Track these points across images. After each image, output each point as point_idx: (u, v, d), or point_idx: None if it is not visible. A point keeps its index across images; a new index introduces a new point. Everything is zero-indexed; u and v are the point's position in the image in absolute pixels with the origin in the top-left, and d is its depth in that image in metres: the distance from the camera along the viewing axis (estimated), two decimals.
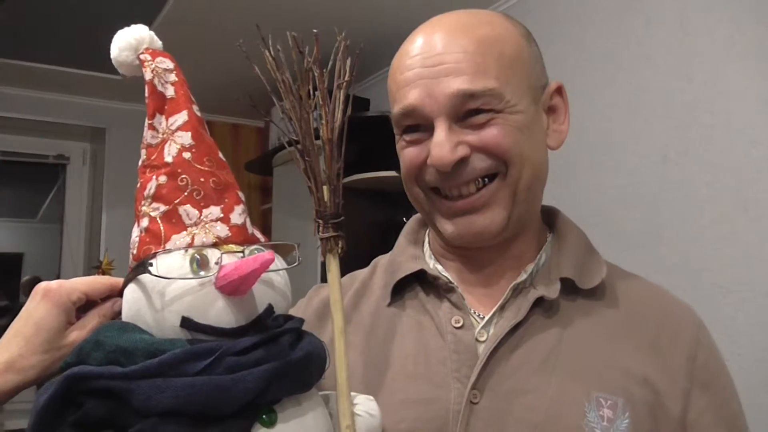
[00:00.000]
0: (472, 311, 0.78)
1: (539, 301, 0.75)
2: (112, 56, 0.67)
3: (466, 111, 0.71)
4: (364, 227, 2.46)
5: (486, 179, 0.74)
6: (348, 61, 0.67)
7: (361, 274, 0.91)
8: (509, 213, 0.74)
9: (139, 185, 0.64)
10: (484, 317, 0.77)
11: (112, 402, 0.53)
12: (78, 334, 0.64)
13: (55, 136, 3.54)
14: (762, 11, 1.66)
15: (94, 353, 0.56)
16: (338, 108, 0.66)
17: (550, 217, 0.86)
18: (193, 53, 2.84)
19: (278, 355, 0.58)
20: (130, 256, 0.63)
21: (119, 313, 0.63)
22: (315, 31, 0.64)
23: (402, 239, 0.89)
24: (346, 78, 0.66)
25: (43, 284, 0.65)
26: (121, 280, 0.66)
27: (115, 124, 3.59)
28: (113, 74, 3.08)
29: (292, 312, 0.86)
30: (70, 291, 0.64)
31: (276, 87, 0.64)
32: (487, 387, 0.71)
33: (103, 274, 2.90)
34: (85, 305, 0.66)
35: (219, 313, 0.58)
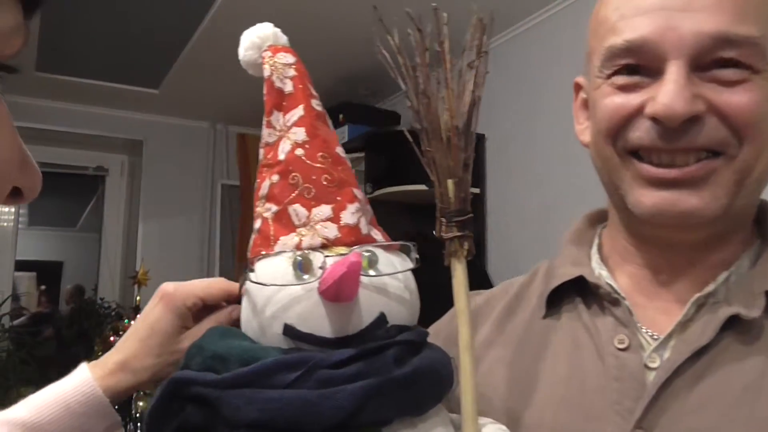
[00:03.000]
0: (644, 329, 0.63)
1: (733, 321, 0.58)
2: (239, 57, 0.65)
3: (714, 60, 0.57)
4: (393, 240, 2.47)
5: (707, 154, 0.58)
6: (481, 37, 0.56)
7: (519, 279, 0.78)
8: (730, 201, 0.58)
9: (256, 186, 0.61)
10: (658, 338, 0.61)
11: (207, 409, 0.51)
12: (193, 339, 0.61)
13: (95, 149, 3.62)
14: None
15: (195, 358, 0.55)
16: (466, 90, 0.56)
17: (759, 216, 0.67)
18: (230, 67, 2.90)
19: (379, 371, 0.51)
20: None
21: (238, 320, 0.60)
22: (434, 5, 0.54)
23: (564, 241, 0.75)
24: (480, 54, 0.55)
25: (162, 286, 0.64)
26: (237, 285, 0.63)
27: (152, 137, 3.66)
28: (150, 88, 3.15)
29: (438, 323, 0.78)
30: (186, 296, 0.63)
31: (395, 72, 0.57)
32: (658, 426, 0.56)
33: (139, 285, 2.95)
34: (204, 309, 0.65)
35: (321, 321, 0.53)
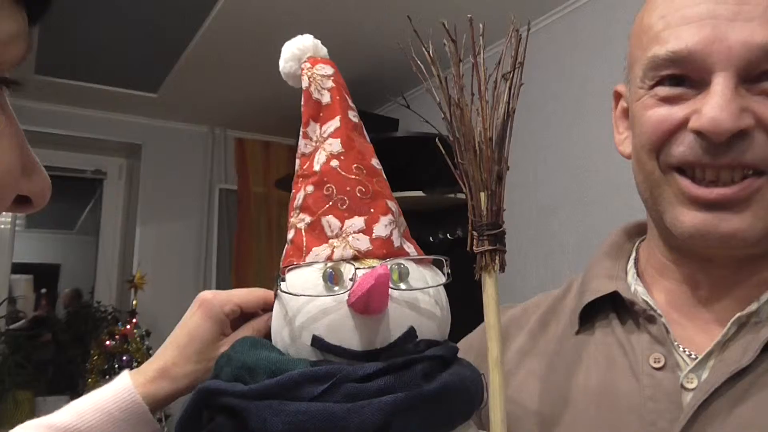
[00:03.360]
0: (681, 348, 0.61)
1: None
2: (280, 69, 0.65)
3: (764, 72, 0.55)
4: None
5: (752, 171, 0.56)
6: (519, 48, 0.56)
7: (554, 292, 0.76)
8: None
9: (291, 196, 0.62)
10: (696, 357, 0.60)
11: (236, 420, 0.51)
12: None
13: (93, 152, 3.61)
14: None
15: (225, 368, 0.55)
16: (502, 101, 0.56)
17: None
18: (229, 71, 2.91)
19: (407, 386, 0.51)
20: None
21: None
22: (470, 16, 0.55)
23: (599, 253, 0.72)
24: (516, 65, 0.56)
25: (200, 294, 0.65)
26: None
27: (151, 141, 3.66)
28: (149, 92, 3.15)
29: (470, 336, 0.78)
30: (223, 303, 0.64)
31: (427, 82, 0.57)
32: None
33: (135, 288, 2.95)
34: (242, 317, 0.65)
35: (350, 333, 0.53)
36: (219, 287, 2.65)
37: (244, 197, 3.67)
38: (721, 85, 0.55)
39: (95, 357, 2.73)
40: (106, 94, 3.22)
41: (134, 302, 2.82)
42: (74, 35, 2.59)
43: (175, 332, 0.64)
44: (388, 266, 0.54)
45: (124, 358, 2.64)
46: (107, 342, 2.69)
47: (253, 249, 3.54)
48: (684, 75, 0.58)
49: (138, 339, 2.73)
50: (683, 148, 0.57)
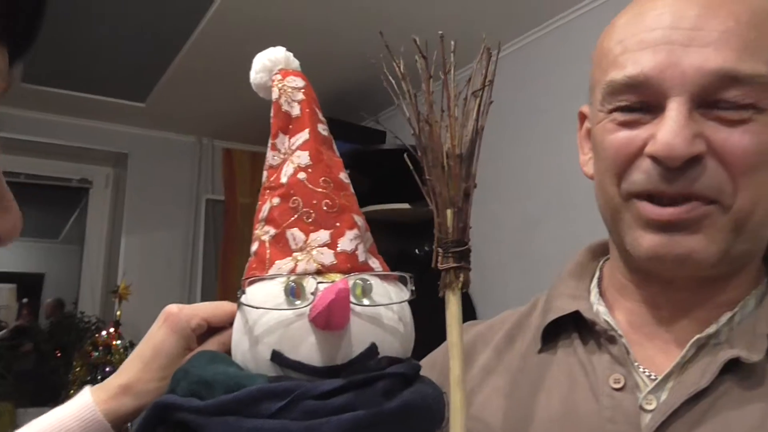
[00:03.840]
0: (641, 369, 0.61)
1: (734, 364, 0.56)
2: (251, 80, 0.64)
3: (718, 99, 0.55)
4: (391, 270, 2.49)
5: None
6: (488, 65, 0.56)
7: (520, 309, 0.76)
8: (728, 246, 0.57)
9: (257, 208, 0.61)
10: (656, 378, 0.60)
11: None
12: None
13: (79, 161, 3.59)
14: None
15: (181, 382, 0.54)
16: (470, 118, 0.56)
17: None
18: (218, 82, 2.91)
19: (368, 403, 0.50)
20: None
21: None
22: (440, 32, 0.54)
23: (564, 272, 0.73)
24: (486, 83, 0.55)
25: (166, 308, 0.63)
26: None
27: (138, 150, 3.65)
28: (137, 101, 3.14)
29: (434, 354, 0.77)
30: (190, 317, 0.62)
31: (396, 98, 0.57)
32: None
33: (120, 298, 2.93)
34: (210, 331, 0.63)
35: (310, 349, 0.52)
36: (204, 299, 2.64)
37: (231, 208, 3.66)
38: (675, 111, 0.55)
39: (78, 368, 2.70)
40: (94, 103, 3.21)
41: (118, 312, 2.80)
42: (62, 44, 2.59)
43: (140, 347, 0.63)
44: (352, 281, 0.53)
45: (107, 369, 2.62)
46: (91, 353, 2.67)
47: (239, 260, 3.52)
48: (641, 99, 0.58)
49: (122, 350, 2.71)
50: (642, 174, 0.58)
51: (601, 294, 0.68)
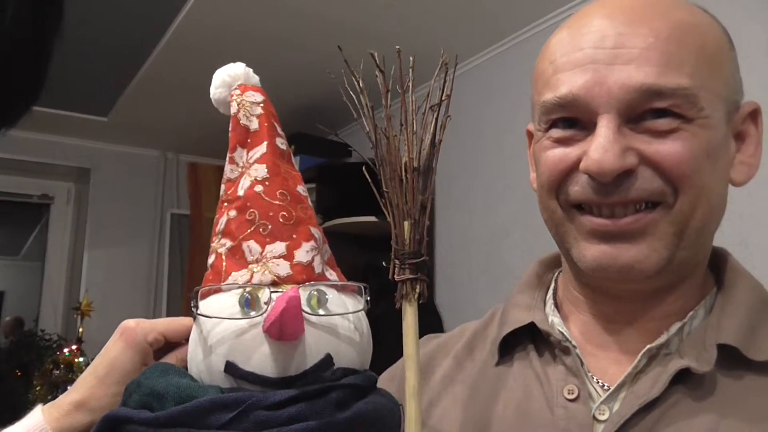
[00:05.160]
0: (595, 380, 0.62)
1: (685, 374, 0.57)
2: (211, 95, 0.65)
3: (645, 111, 0.57)
4: (343, 271, 2.50)
5: (646, 205, 0.58)
6: (447, 80, 0.57)
7: (476, 322, 0.77)
8: (671, 252, 0.58)
9: (214, 221, 0.61)
10: (609, 388, 0.60)
11: None
12: None
13: (40, 176, 3.55)
14: None
15: (133, 395, 0.54)
16: (428, 132, 0.56)
17: (716, 264, 0.66)
18: (182, 95, 2.89)
19: (319, 414, 0.50)
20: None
21: None
22: (398, 47, 0.56)
23: (520, 284, 0.74)
24: (443, 97, 0.56)
25: (123, 323, 0.62)
26: None
27: (100, 165, 3.61)
28: (99, 116, 3.08)
29: (394, 368, 0.77)
30: (147, 331, 0.61)
31: (355, 111, 0.58)
32: None
33: (82, 315, 2.87)
34: (167, 347, 0.63)
35: (263, 359, 0.52)
36: (170, 314, 2.60)
37: (197, 222, 3.63)
38: (604, 128, 0.56)
39: (38, 387, 2.64)
40: (55, 117, 3.16)
41: (80, 330, 2.75)
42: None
43: (95, 362, 0.62)
44: (307, 291, 0.54)
45: (69, 387, 2.56)
46: (52, 371, 2.61)
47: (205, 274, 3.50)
48: (574, 117, 0.60)
49: (83, 368, 2.65)
50: (578, 187, 0.59)
51: (557, 305, 0.69)
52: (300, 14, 2.24)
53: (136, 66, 2.68)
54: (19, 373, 3.28)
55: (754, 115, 0.63)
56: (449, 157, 2.56)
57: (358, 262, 2.59)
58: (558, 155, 0.60)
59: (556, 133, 0.61)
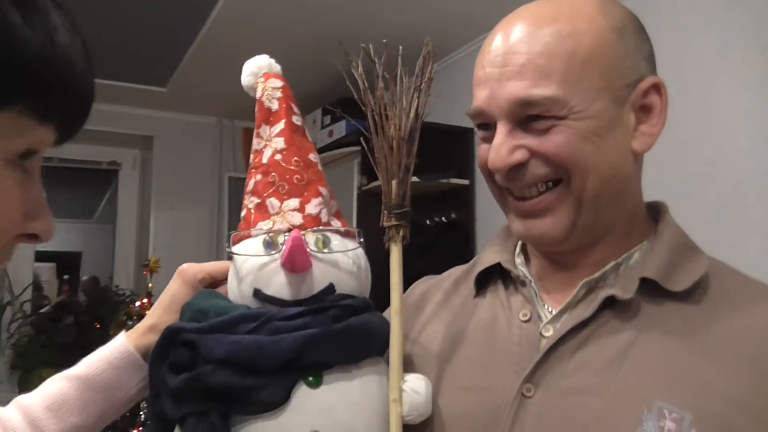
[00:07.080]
0: (546, 307, 0.76)
1: (612, 301, 0.70)
2: (242, 82, 0.80)
3: (528, 116, 0.69)
4: (383, 230, 2.62)
5: (550, 183, 0.71)
6: (429, 66, 0.72)
7: (464, 266, 0.91)
8: (572, 221, 0.71)
9: (245, 183, 0.77)
10: (553, 312, 0.75)
11: (192, 350, 0.67)
12: None
13: (108, 144, 3.75)
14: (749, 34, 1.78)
15: (186, 312, 0.72)
16: (412, 109, 0.71)
17: (654, 214, 0.79)
18: (235, 64, 3.00)
19: (320, 324, 0.66)
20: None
21: None
22: (385, 41, 0.70)
23: (494, 235, 0.87)
24: (424, 80, 0.71)
25: (181, 266, 0.80)
26: None
27: (162, 132, 3.82)
28: (159, 86, 3.24)
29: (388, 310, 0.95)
30: (197, 271, 0.79)
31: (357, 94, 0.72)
32: (543, 383, 0.69)
33: (151, 272, 3.09)
34: (214, 283, 0.80)
35: (280, 286, 0.68)
36: None
37: None
38: (498, 132, 0.70)
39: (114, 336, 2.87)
40: (119, 89, 3.36)
41: (150, 285, 2.97)
42: (87, 35, 2.73)
43: (161, 296, 0.80)
44: (314, 236, 0.70)
45: None
46: (125, 322, 2.84)
47: None
48: (486, 123, 0.73)
49: None
50: (496, 176, 0.73)
51: (524, 250, 0.84)
52: None
53: (189, 39, 2.83)
54: (98, 326, 3.58)
55: (658, 88, 0.72)
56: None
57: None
58: (483, 151, 0.74)
59: (480, 133, 0.75)
